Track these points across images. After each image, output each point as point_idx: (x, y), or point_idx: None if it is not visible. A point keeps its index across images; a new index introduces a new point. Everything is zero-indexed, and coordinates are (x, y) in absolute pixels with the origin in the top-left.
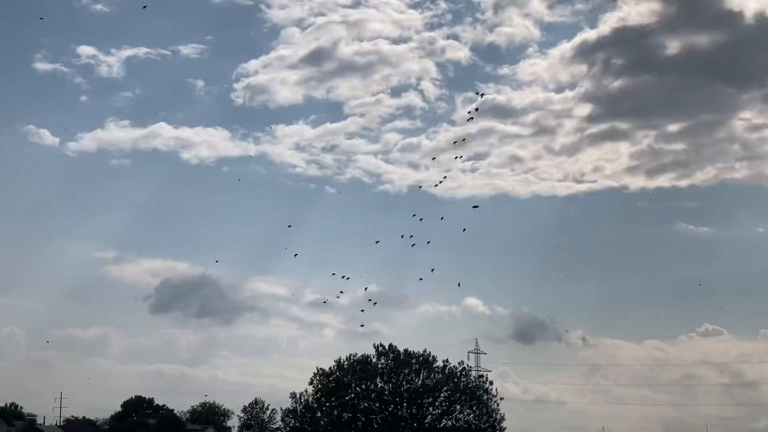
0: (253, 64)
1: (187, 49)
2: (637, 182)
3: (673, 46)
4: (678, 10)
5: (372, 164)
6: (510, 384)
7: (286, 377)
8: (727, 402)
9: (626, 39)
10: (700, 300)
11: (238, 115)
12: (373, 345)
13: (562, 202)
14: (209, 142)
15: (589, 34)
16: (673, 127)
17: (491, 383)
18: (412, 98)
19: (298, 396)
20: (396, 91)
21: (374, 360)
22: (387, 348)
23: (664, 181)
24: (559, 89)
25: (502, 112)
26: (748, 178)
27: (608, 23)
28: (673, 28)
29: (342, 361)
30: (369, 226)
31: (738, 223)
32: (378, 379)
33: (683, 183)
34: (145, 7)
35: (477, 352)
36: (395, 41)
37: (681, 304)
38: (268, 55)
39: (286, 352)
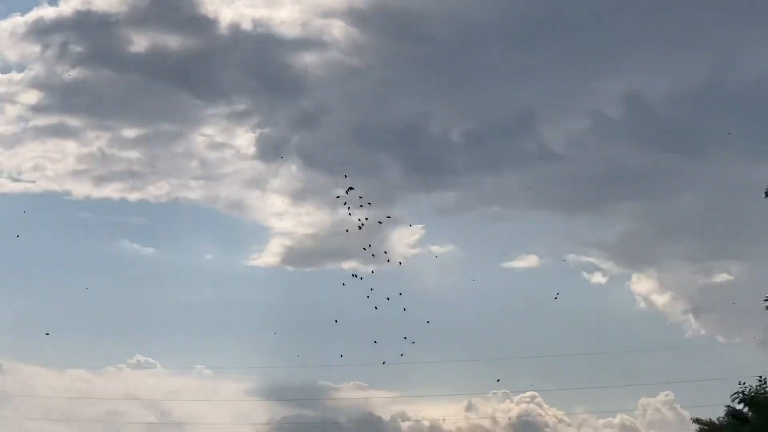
0: None
1: None
2: (82, 189)
3: (140, 42)
4: (149, 4)
5: None
6: None
7: None
8: None
9: (88, 25)
10: (134, 328)
11: None
12: None
13: None
14: None
15: (47, 12)
16: (130, 133)
17: None
18: None
19: None
20: None
21: None
22: None
23: (112, 191)
24: (5, 69)
25: None
26: (202, 200)
27: (70, 4)
28: (142, 23)
29: None
30: None
31: (187, 248)
32: None
33: (133, 196)
34: None
35: None
36: None
37: (114, 331)
38: None
39: None
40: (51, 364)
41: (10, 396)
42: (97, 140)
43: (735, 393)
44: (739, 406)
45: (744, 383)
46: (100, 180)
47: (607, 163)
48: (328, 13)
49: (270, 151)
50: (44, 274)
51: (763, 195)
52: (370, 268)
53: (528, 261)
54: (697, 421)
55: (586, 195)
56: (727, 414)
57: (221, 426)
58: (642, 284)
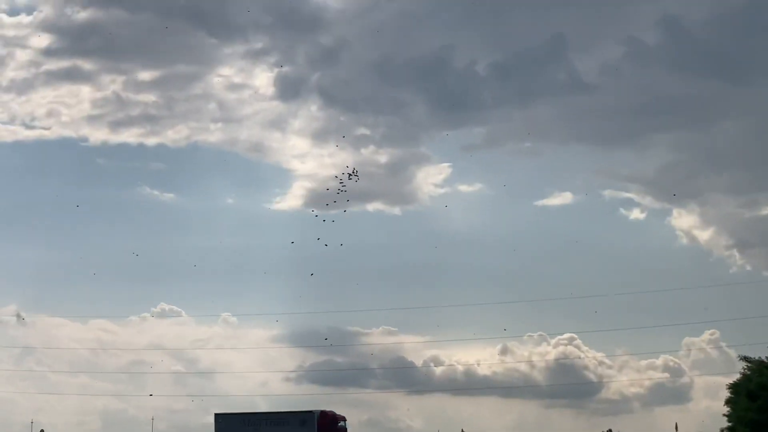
0: None
1: None
2: (98, 134)
3: None
4: None
5: None
6: None
7: None
8: (178, 392)
9: None
10: (157, 276)
11: None
12: None
13: (7, 149)
14: None
15: None
16: (145, 75)
17: None
18: None
19: None
20: None
21: None
22: None
23: (129, 136)
24: (14, 11)
25: None
26: (221, 143)
27: None
28: None
29: None
30: None
31: (208, 192)
32: None
33: (151, 141)
34: None
35: None
36: None
37: (136, 280)
38: None
39: None
40: (73, 315)
41: (33, 348)
42: (112, 84)
43: None
44: None
45: None
46: (116, 125)
47: (643, 92)
48: None
49: (289, 90)
50: (63, 224)
51: None
52: (396, 209)
53: (562, 198)
54: (744, 359)
55: (622, 126)
56: None
57: (250, 374)
58: (683, 219)
